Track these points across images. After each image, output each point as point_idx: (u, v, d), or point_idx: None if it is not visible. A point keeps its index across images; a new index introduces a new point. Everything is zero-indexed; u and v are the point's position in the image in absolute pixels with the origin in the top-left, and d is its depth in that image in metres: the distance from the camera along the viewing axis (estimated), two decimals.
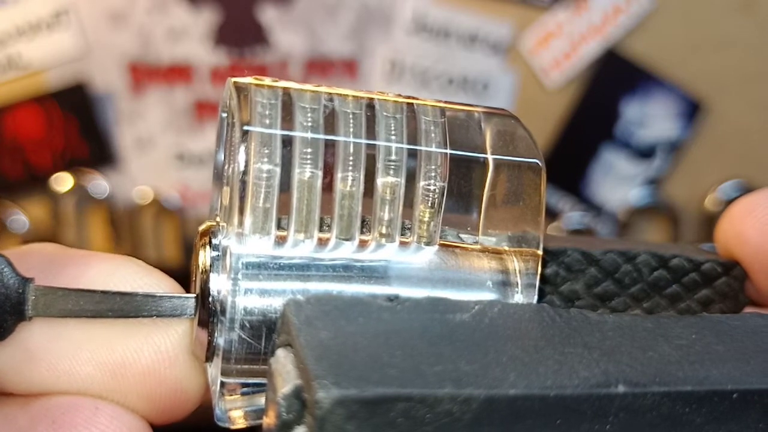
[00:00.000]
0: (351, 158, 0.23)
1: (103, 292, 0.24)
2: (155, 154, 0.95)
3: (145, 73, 0.93)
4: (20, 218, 0.93)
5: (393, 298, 0.22)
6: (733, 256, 0.28)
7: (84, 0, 0.91)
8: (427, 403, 0.19)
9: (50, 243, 0.26)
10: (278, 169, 0.23)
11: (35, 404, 0.24)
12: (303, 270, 0.24)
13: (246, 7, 0.92)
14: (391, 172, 0.24)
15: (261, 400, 0.25)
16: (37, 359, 0.24)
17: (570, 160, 0.95)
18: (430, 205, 0.25)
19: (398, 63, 0.94)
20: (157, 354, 0.25)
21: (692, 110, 0.93)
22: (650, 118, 0.94)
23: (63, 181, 0.93)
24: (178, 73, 0.93)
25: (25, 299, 0.23)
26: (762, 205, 0.27)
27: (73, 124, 0.94)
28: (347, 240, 0.24)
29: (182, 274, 0.26)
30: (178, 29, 0.92)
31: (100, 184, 0.94)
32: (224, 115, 0.26)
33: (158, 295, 0.24)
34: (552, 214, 0.96)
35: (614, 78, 0.93)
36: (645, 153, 0.94)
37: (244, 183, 0.23)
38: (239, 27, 0.93)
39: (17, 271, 0.23)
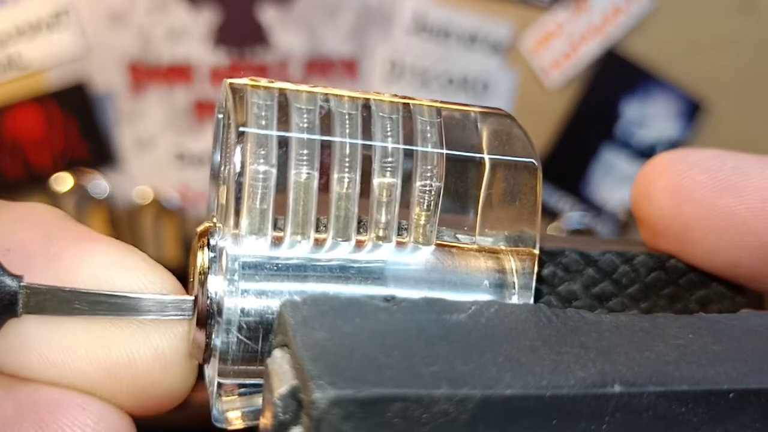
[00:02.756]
0: (347, 159, 0.23)
1: (98, 293, 0.23)
2: (155, 154, 0.95)
3: (145, 73, 0.93)
4: None
5: (389, 299, 0.22)
6: (639, 215, 0.29)
7: (84, 0, 0.91)
8: (423, 404, 0.19)
9: (53, 209, 0.26)
10: (274, 171, 0.23)
11: (22, 392, 0.24)
12: (300, 271, 0.24)
13: (246, 7, 0.92)
14: (388, 172, 0.24)
15: (258, 400, 0.25)
16: (29, 347, 0.24)
17: (570, 160, 0.95)
18: (426, 205, 0.24)
19: (398, 63, 0.94)
20: (153, 355, 0.24)
21: (692, 110, 0.93)
22: (650, 118, 0.94)
23: (63, 181, 0.93)
24: (178, 73, 0.93)
25: (16, 299, 0.23)
26: (672, 169, 0.27)
27: (73, 124, 0.94)
28: (344, 241, 0.24)
29: (182, 274, 0.26)
30: (178, 29, 0.92)
31: (100, 184, 0.94)
32: (220, 116, 0.26)
33: (155, 296, 0.24)
34: (552, 214, 0.96)
35: (614, 78, 0.93)
36: (645, 153, 0.94)
37: (240, 184, 0.23)
38: (239, 27, 0.93)
39: (6, 269, 0.23)
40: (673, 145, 0.93)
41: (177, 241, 0.95)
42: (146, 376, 0.24)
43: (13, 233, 0.24)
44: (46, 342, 0.24)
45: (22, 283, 0.23)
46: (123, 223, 0.95)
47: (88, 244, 0.25)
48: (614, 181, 0.95)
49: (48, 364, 0.24)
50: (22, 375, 0.24)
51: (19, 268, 0.23)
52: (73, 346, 0.24)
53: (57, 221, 0.25)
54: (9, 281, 0.23)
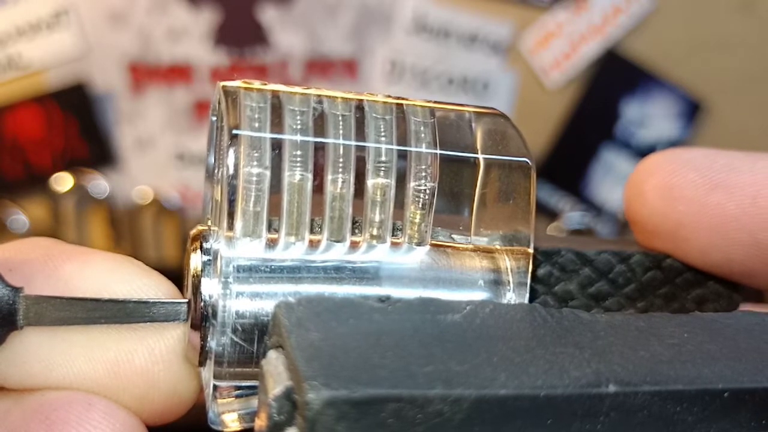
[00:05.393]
0: (341, 160, 0.23)
1: (95, 300, 0.23)
2: (155, 154, 0.95)
3: (145, 73, 0.93)
4: (20, 218, 0.93)
5: (384, 299, 0.22)
6: (631, 215, 0.29)
7: (84, 0, 0.91)
8: (417, 404, 0.19)
9: (48, 237, 0.26)
10: (268, 173, 0.23)
11: (28, 399, 0.24)
12: (294, 272, 0.24)
13: (246, 7, 0.92)
14: (381, 173, 0.24)
15: (255, 402, 0.25)
16: (30, 353, 0.24)
17: (570, 160, 0.95)
18: (420, 205, 0.24)
19: (398, 63, 0.94)
20: (151, 356, 0.25)
21: (692, 110, 0.93)
22: (650, 118, 0.94)
23: (63, 181, 0.93)
24: (178, 73, 0.93)
25: (16, 310, 0.23)
26: (663, 168, 0.27)
27: (73, 124, 0.94)
28: (338, 242, 0.24)
29: (182, 274, 0.26)
30: (178, 29, 0.92)
31: (100, 184, 0.94)
32: (214, 118, 0.26)
33: (151, 301, 0.24)
34: (552, 214, 0.96)
35: (614, 78, 0.93)
36: (645, 153, 0.93)
37: (233, 187, 0.23)
38: (239, 27, 0.93)
39: (6, 281, 0.23)
40: (673, 145, 0.93)
41: (177, 241, 0.95)
42: (146, 377, 0.25)
43: (15, 256, 0.24)
44: (46, 347, 0.24)
45: (21, 294, 0.23)
46: (123, 223, 0.95)
47: (85, 257, 0.25)
48: (614, 181, 0.95)
49: (50, 368, 0.24)
50: (27, 384, 0.24)
51: (21, 285, 0.23)
52: (73, 348, 0.24)
53: (56, 245, 0.26)
54: (8, 293, 0.23)
